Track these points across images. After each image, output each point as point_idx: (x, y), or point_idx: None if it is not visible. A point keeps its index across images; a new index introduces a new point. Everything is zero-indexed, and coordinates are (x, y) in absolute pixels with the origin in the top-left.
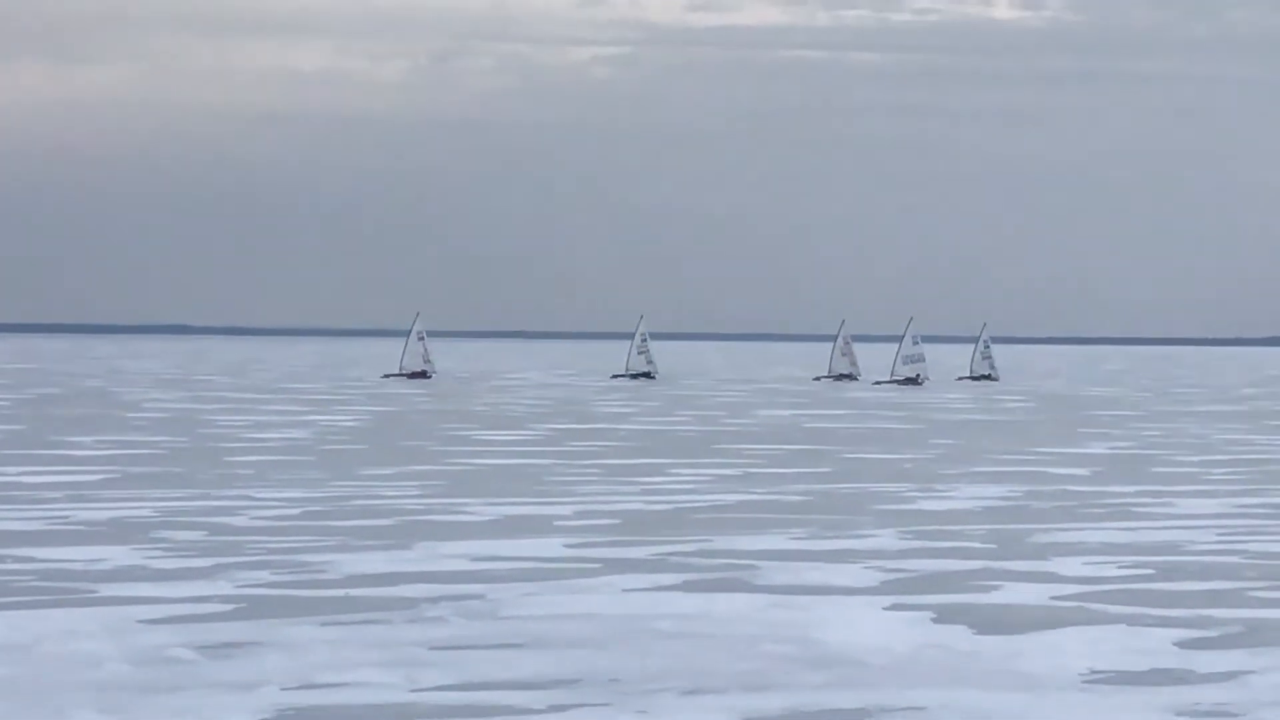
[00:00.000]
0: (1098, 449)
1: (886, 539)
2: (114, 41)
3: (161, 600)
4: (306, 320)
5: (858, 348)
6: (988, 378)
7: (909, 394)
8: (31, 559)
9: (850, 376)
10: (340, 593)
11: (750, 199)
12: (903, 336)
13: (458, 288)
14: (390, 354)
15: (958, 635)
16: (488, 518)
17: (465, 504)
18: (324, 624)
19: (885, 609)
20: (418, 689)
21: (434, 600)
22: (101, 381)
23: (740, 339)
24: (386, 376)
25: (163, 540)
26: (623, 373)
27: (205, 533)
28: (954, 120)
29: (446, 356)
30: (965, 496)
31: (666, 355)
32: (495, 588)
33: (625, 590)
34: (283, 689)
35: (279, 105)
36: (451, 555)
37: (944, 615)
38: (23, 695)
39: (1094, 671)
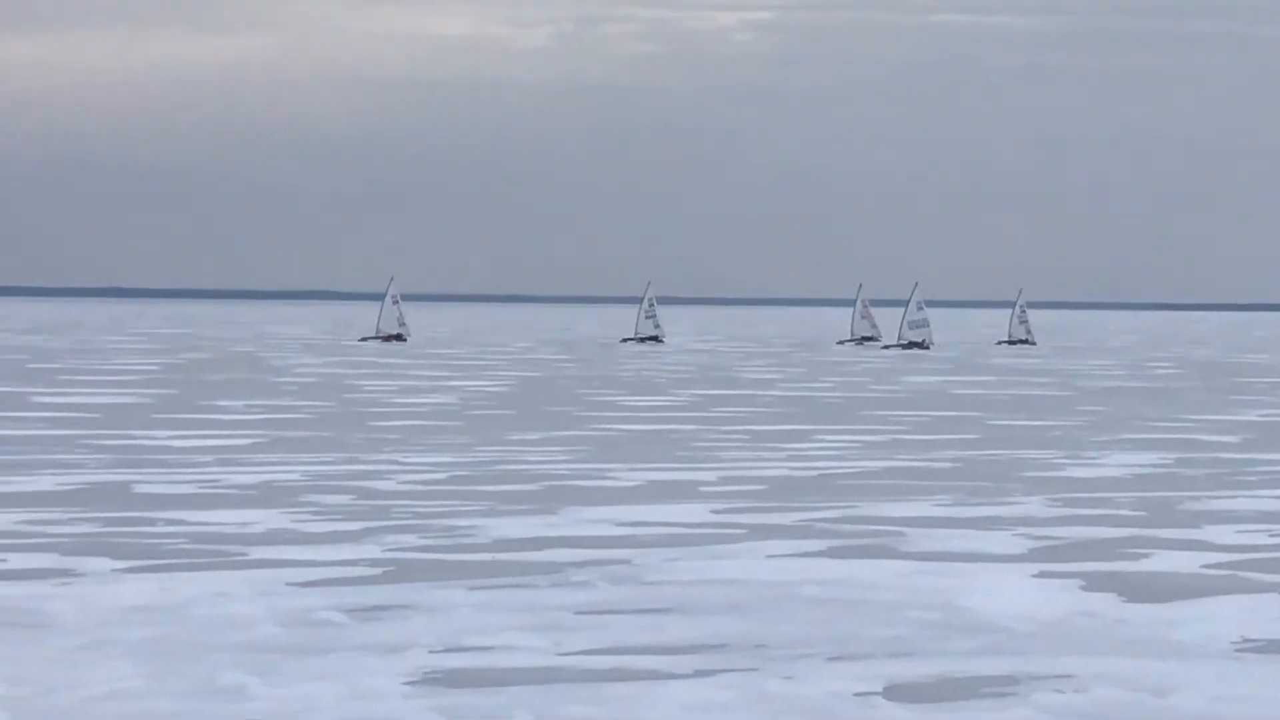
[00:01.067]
0: (1250, 416)
1: (1034, 506)
2: (258, 9)
3: (310, 563)
4: (449, 286)
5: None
6: (1025, 342)
7: (1054, 359)
8: (182, 522)
9: (872, 339)
10: (487, 557)
11: (891, 162)
12: (908, 301)
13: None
14: (538, 319)
15: (1107, 603)
16: (633, 483)
17: (610, 469)
18: (471, 588)
19: (1033, 576)
20: (564, 653)
21: (580, 565)
22: (251, 346)
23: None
24: (364, 340)
25: (311, 504)
26: (631, 337)
27: (353, 496)
28: (1097, 82)
29: (588, 321)
30: (1114, 464)
31: (808, 320)
32: (640, 553)
33: (770, 556)
34: (430, 652)
35: (423, 72)
36: (597, 520)
37: (1093, 583)
38: (174, 657)
39: (1246, 640)
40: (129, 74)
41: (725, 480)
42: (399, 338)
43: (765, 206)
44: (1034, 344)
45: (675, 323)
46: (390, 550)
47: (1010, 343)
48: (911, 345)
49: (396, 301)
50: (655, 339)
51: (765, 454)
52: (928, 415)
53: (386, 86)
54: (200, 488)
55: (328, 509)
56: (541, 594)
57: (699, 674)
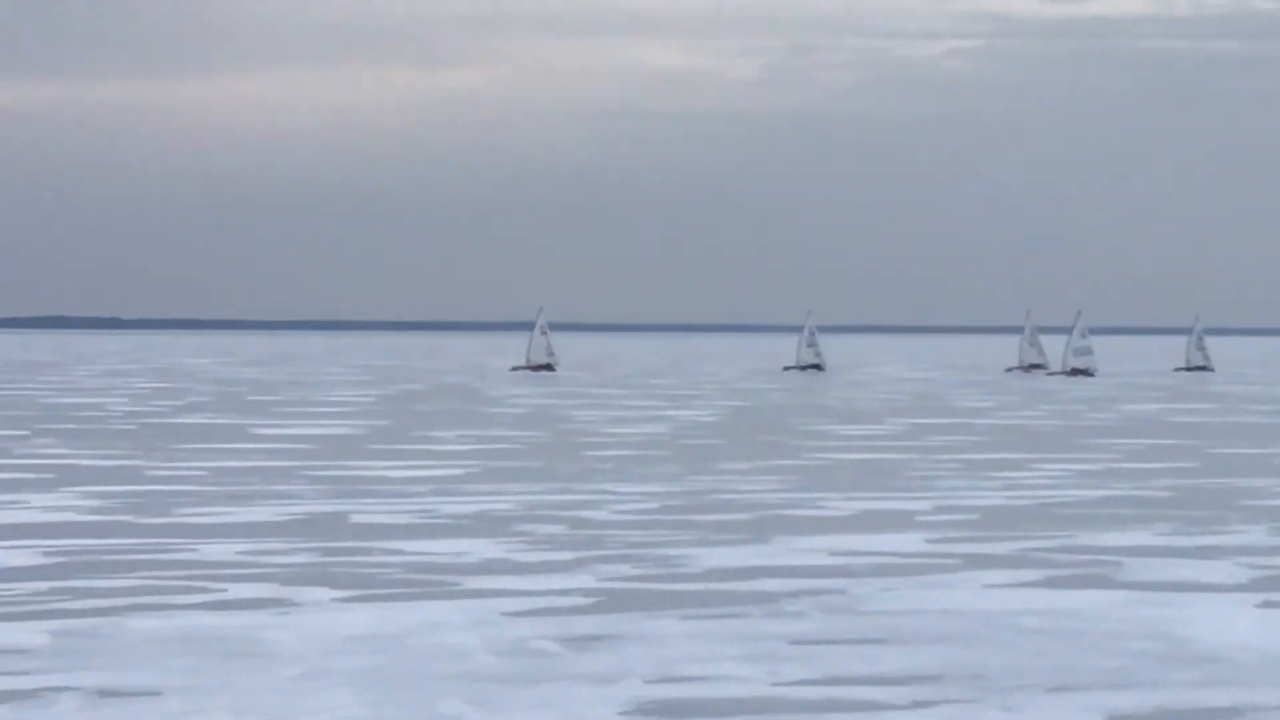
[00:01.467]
0: None
1: (1256, 535)
2: (477, 45)
3: (525, 593)
4: (660, 315)
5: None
6: (1202, 369)
7: (1238, 385)
8: (399, 552)
9: (1040, 366)
10: (700, 586)
11: (1107, 189)
12: (1072, 328)
13: (815, 282)
14: (750, 348)
15: None
16: (847, 512)
17: (824, 498)
18: (684, 617)
19: (1256, 606)
20: (779, 683)
21: (794, 595)
22: (463, 377)
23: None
24: (514, 370)
25: (525, 534)
26: (793, 365)
27: (566, 526)
28: None
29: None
30: None
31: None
32: (855, 582)
33: (987, 586)
34: (645, 682)
35: (636, 104)
36: (811, 549)
37: None
38: (392, 685)
39: None
40: (348, 109)
41: (940, 509)
42: (548, 367)
43: (975, 233)
44: (1211, 370)
45: (891, 351)
46: (604, 580)
47: (1188, 369)
48: (1076, 372)
49: (545, 332)
50: (816, 367)
51: (980, 483)
52: (1144, 443)
53: (599, 119)
54: (416, 518)
55: (541, 539)
56: (755, 624)
57: (915, 705)
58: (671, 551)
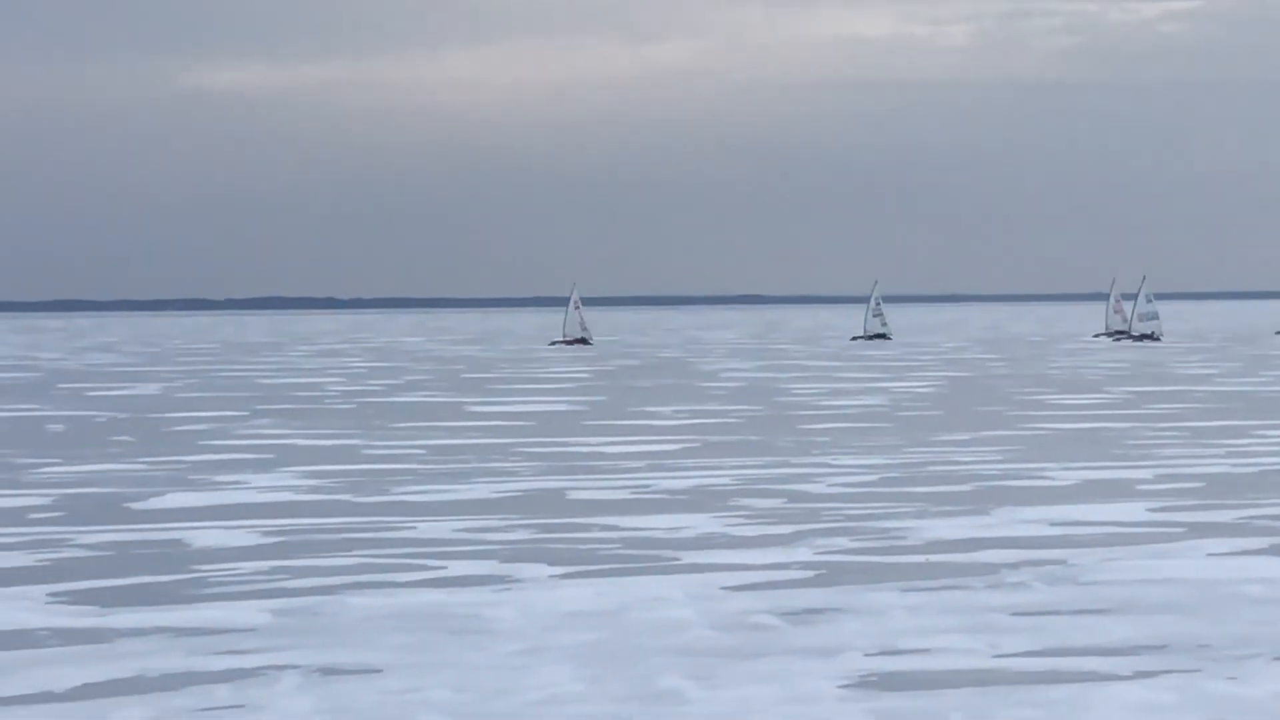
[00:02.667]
0: None
1: None
2: (679, 18)
3: (743, 567)
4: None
5: None
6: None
7: None
8: (616, 527)
9: (1125, 333)
10: (920, 558)
11: None
12: (1137, 294)
13: (1026, 248)
14: (969, 318)
15: None
16: (1067, 482)
17: (1044, 469)
18: (904, 590)
19: None
20: (1000, 654)
21: (1015, 566)
22: (679, 352)
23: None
24: (553, 344)
25: (742, 508)
26: (860, 334)
27: (784, 500)
28: None
29: (1020, 321)
30: None
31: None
32: (1077, 553)
33: (1210, 555)
34: (865, 654)
35: (843, 74)
36: (1031, 520)
37: None
38: (613, 660)
39: None
40: (561, 83)
41: (1162, 478)
42: (584, 341)
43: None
44: None
45: (1098, 321)
46: (822, 553)
47: None
48: (1143, 337)
49: (578, 307)
50: (883, 336)
51: (1203, 450)
52: None
53: (809, 88)
54: (633, 493)
55: (759, 512)
56: (976, 595)
57: (1140, 675)
58: (890, 524)
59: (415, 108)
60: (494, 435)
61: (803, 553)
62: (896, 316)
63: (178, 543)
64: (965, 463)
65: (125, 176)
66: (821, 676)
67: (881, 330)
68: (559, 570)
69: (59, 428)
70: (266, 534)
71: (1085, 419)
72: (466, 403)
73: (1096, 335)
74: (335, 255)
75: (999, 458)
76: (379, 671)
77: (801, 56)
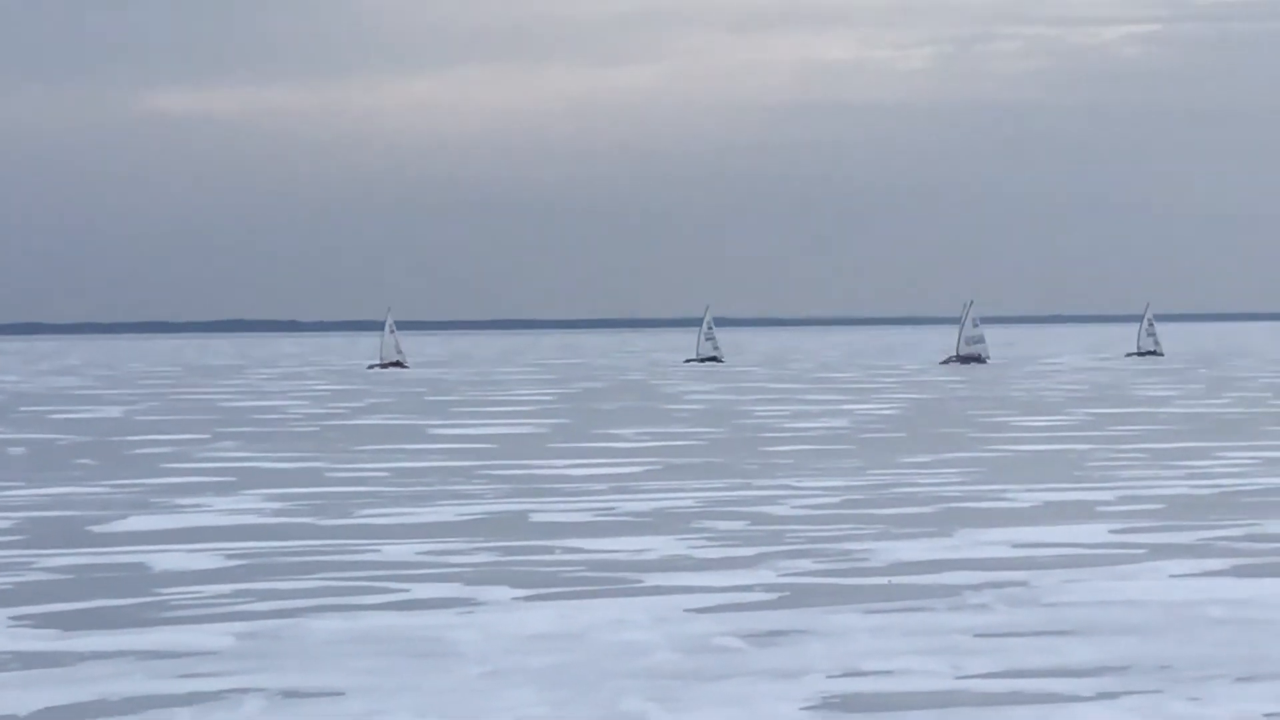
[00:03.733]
0: None
1: None
2: (643, 42)
3: (706, 589)
4: (837, 309)
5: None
6: (1153, 353)
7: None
8: (580, 550)
9: (1154, 353)
10: (883, 580)
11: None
12: (964, 318)
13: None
14: (926, 341)
15: None
16: (1029, 504)
17: (1005, 490)
18: (867, 612)
19: None
20: (963, 676)
21: (977, 587)
22: (642, 374)
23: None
24: (370, 368)
25: (705, 530)
26: (693, 357)
27: (747, 522)
28: None
29: (992, 341)
30: None
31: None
32: (1039, 574)
33: (1172, 576)
34: (828, 676)
35: (806, 97)
36: (993, 542)
37: None
38: (576, 683)
39: None
40: (522, 106)
41: (1123, 499)
42: (399, 364)
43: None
44: (1161, 354)
45: (1068, 340)
46: (785, 575)
47: (1139, 354)
48: (969, 359)
49: (393, 331)
50: (715, 359)
51: (1164, 472)
52: None
53: (771, 110)
54: (596, 515)
55: (722, 535)
56: (939, 617)
57: (1102, 696)
58: (853, 546)
59: (376, 131)
60: (457, 458)
61: (766, 575)
62: (851, 339)
63: (140, 566)
64: (927, 485)
65: (84, 200)
66: (784, 698)
67: (714, 353)
68: (522, 593)
69: (20, 450)
70: (229, 557)
71: (1046, 441)
72: (429, 425)
73: (946, 360)
74: (297, 278)
75: (961, 479)
76: (342, 694)
77: (765, 78)
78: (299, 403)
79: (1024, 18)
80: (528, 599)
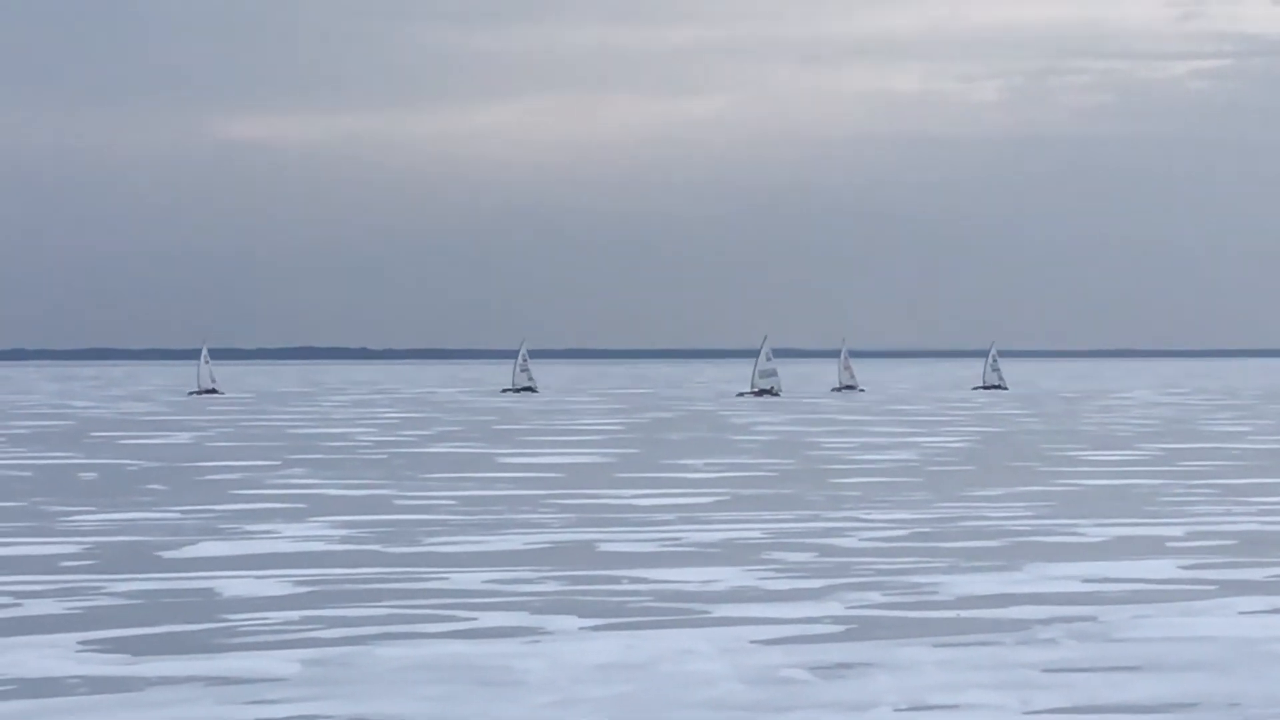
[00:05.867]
0: None
1: None
2: (712, 72)
3: (773, 621)
4: (903, 342)
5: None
6: (998, 387)
7: None
8: (646, 580)
9: (999, 387)
10: (951, 614)
11: None
12: (759, 351)
13: (1051, 306)
14: (976, 373)
15: None
16: (1098, 538)
17: (1075, 524)
18: (935, 645)
19: None
20: (1031, 711)
21: (1046, 622)
22: (710, 404)
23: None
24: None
25: (773, 561)
26: (509, 388)
27: (815, 554)
28: None
29: (1050, 376)
30: None
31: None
32: (1108, 609)
33: (1242, 613)
34: (895, 710)
35: (874, 129)
36: (1062, 576)
37: None
38: (642, 713)
39: None
40: (589, 137)
41: (1193, 535)
42: (530, 389)
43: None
44: (1006, 389)
45: (1140, 375)
46: (853, 607)
47: (985, 388)
48: (763, 392)
49: (208, 361)
50: (529, 389)
51: (1235, 508)
52: None
53: (838, 143)
54: (663, 545)
55: (790, 566)
56: (1007, 651)
57: None
58: (921, 578)
59: (445, 161)
60: (525, 487)
61: (833, 607)
62: (924, 371)
63: (209, 592)
64: (996, 518)
65: (156, 226)
66: None
67: (528, 384)
68: (589, 622)
69: (91, 476)
70: (297, 583)
71: (1117, 475)
72: (498, 454)
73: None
74: (367, 306)
75: (1030, 513)
76: None
77: (832, 110)
78: (368, 430)
79: (1094, 51)
80: (594, 628)
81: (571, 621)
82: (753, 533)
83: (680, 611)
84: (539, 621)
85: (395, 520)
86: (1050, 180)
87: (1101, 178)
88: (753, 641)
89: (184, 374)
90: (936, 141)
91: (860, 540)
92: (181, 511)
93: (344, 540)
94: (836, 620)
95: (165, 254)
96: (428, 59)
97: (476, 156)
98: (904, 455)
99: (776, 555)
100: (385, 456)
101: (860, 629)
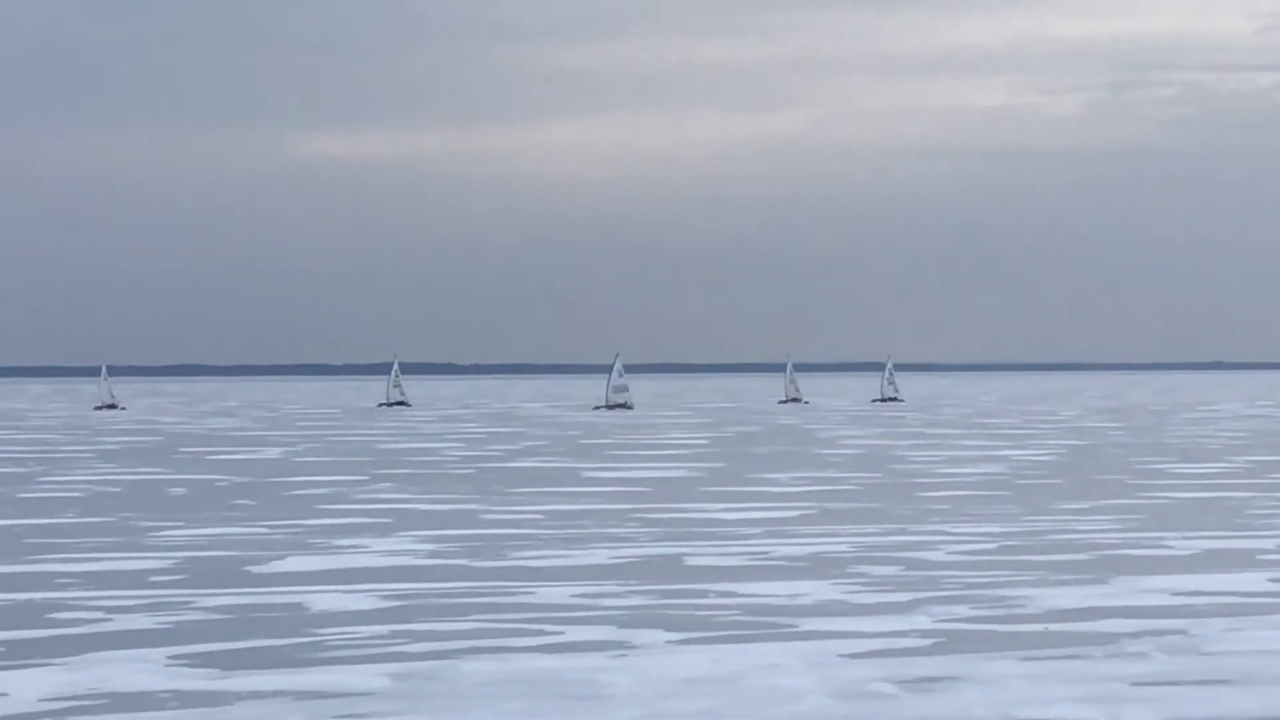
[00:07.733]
0: None
1: None
2: (792, 87)
3: (860, 634)
4: (991, 355)
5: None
6: (894, 400)
7: None
8: (733, 594)
9: (895, 399)
10: (1039, 627)
11: None
12: (611, 368)
13: (1137, 319)
14: (1085, 386)
15: None
16: (1188, 552)
17: (1164, 538)
18: (1023, 659)
19: None
20: None
21: (1135, 635)
22: (796, 419)
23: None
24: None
25: (860, 575)
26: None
27: (902, 567)
28: None
29: (1139, 389)
30: None
31: None
32: (1197, 623)
33: None
34: None
35: (956, 143)
36: (1151, 590)
37: None
38: None
39: None
40: (667, 152)
41: None
42: (625, 406)
43: None
44: (901, 400)
45: (1229, 388)
46: (940, 621)
47: (882, 400)
48: (616, 407)
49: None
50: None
51: None
52: None
53: (919, 158)
54: (750, 559)
55: (877, 580)
56: (1096, 665)
57: None
58: (1009, 592)
59: (526, 176)
60: (611, 501)
61: (921, 621)
62: (1005, 385)
63: (297, 606)
64: (1085, 531)
65: (243, 242)
66: None
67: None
68: (676, 636)
69: (180, 491)
70: (385, 598)
71: (1206, 488)
72: (584, 468)
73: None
74: (454, 321)
75: (1118, 526)
76: None
77: (913, 125)
78: (455, 445)
79: (1177, 64)
80: (681, 642)
81: (658, 635)
82: (839, 546)
83: (767, 625)
84: (625, 635)
85: (482, 535)
86: (1133, 193)
87: (1185, 190)
88: (840, 655)
89: (265, 390)
90: (1019, 155)
91: (947, 554)
92: (269, 526)
93: (431, 555)
94: (924, 634)
95: (253, 269)
96: (515, 75)
97: (556, 172)
98: (992, 468)
99: (863, 569)
100: (472, 471)
101: (947, 643)
